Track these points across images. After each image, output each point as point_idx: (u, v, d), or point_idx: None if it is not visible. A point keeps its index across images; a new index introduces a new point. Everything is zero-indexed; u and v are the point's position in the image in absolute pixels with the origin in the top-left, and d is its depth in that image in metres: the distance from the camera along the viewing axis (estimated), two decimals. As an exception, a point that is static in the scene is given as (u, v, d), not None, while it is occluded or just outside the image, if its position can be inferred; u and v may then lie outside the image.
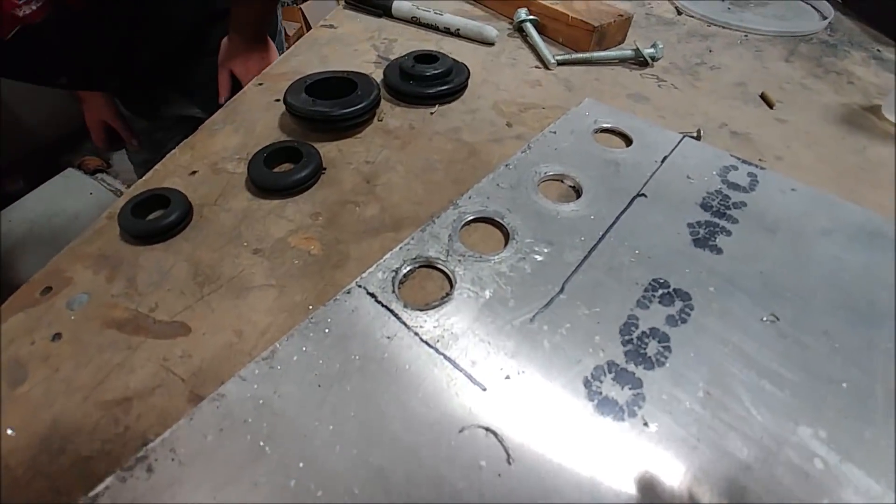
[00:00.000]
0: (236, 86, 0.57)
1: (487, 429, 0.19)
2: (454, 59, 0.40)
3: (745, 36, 0.52)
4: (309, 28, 1.74)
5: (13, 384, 0.21)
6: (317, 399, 0.20)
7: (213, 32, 0.60)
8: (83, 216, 1.91)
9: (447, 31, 0.49)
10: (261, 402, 0.19)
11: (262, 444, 0.18)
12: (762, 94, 0.41)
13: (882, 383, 0.21)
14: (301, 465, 0.18)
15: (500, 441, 0.18)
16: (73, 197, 1.92)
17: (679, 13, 0.56)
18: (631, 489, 0.17)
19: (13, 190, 2.03)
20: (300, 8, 1.68)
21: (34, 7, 0.44)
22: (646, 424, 0.19)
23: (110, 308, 0.24)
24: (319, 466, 0.18)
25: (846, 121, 0.39)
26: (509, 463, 0.18)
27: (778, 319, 0.23)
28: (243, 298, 0.24)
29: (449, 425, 0.19)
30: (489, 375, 0.20)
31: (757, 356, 0.21)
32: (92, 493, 0.17)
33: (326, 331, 0.22)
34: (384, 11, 0.52)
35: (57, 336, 0.23)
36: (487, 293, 0.24)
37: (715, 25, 0.54)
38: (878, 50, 0.51)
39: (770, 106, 0.40)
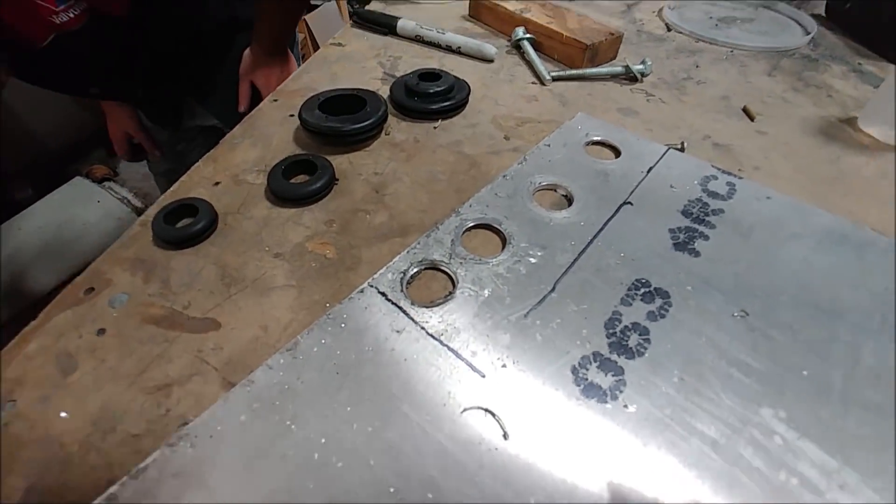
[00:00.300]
0: (256, 96, 0.60)
1: (486, 410, 0.21)
2: (455, 77, 0.43)
3: (731, 51, 0.55)
4: (313, 39, 1.78)
5: (65, 373, 0.24)
6: (335, 384, 0.22)
7: (235, 44, 0.62)
8: (91, 224, 1.95)
9: (449, 49, 0.52)
10: (286, 387, 0.22)
11: (288, 422, 0.21)
12: (744, 107, 0.44)
13: (840, 371, 0.23)
14: (323, 440, 0.20)
15: (498, 420, 0.21)
16: (82, 205, 1.96)
17: (669, 29, 0.59)
18: (613, 463, 0.20)
19: (22, 197, 2.07)
20: (304, 19, 1.72)
21: (72, 14, 0.45)
22: (626, 406, 0.22)
23: (148, 306, 0.27)
24: (339, 442, 0.20)
25: (823, 132, 0.42)
26: (505, 438, 0.20)
27: (748, 315, 0.25)
28: (267, 297, 0.27)
29: (452, 406, 0.21)
30: (488, 364, 0.23)
31: (727, 347, 0.24)
32: (142, 465, 0.20)
33: (343, 325, 0.25)
34: (389, 30, 0.55)
35: (101, 331, 0.26)
36: (486, 292, 0.26)
37: (703, 41, 0.57)
38: (859, 63, 0.54)
39: (751, 119, 0.43)
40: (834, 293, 0.27)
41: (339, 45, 0.54)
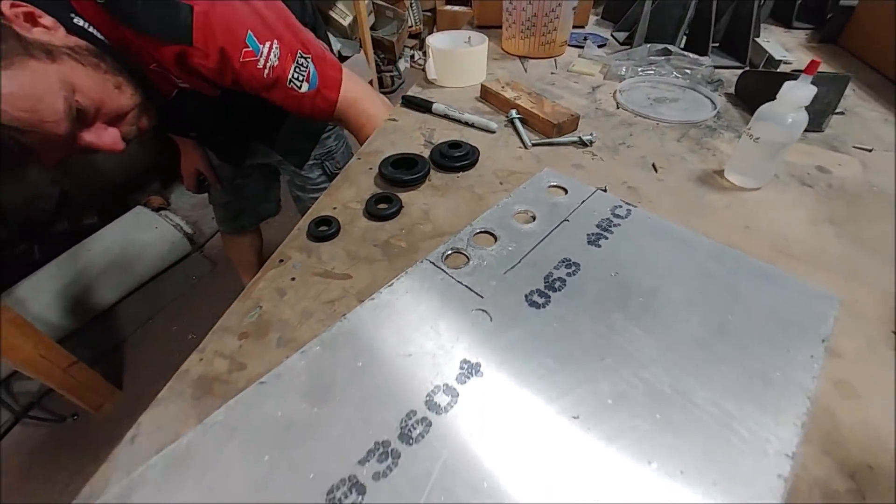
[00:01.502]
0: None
1: (483, 309, 0.46)
2: (471, 145, 0.70)
3: (657, 124, 0.80)
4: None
5: (281, 295, 0.49)
6: (413, 301, 0.47)
7: None
8: (149, 246, 2.27)
9: (466, 124, 0.79)
10: (389, 301, 0.47)
11: (394, 316, 0.46)
12: (653, 164, 0.69)
13: (658, 301, 0.47)
14: (413, 320, 0.45)
15: (488, 313, 0.45)
16: (142, 230, 2.30)
17: (618, 107, 0.86)
18: (538, 326, 0.44)
19: (89, 223, 2.43)
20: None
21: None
22: (547, 310, 0.46)
23: (312, 268, 0.52)
24: (418, 322, 0.45)
25: (700, 179, 0.66)
26: (491, 320, 0.45)
27: (618, 274, 0.50)
28: (372, 265, 0.52)
29: (467, 308, 0.46)
30: (485, 292, 0.48)
31: (604, 288, 0.48)
32: (327, 329, 0.45)
33: (413, 277, 0.50)
34: (427, 109, 0.83)
35: (293, 279, 0.51)
36: (485, 263, 0.51)
37: (639, 116, 0.83)
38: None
39: (655, 171, 0.68)
40: (669, 268, 0.51)
41: (394, 120, 0.82)
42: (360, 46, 3.23)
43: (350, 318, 0.46)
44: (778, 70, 0.97)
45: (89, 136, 0.63)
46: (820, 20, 1.23)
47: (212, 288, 2.18)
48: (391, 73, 3.52)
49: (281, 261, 0.54)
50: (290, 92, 0.74)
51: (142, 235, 2.20)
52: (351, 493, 0.33)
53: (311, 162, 1.11)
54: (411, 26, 3.89)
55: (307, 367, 0.41)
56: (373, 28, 3.44)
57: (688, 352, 0.42)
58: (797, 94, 0.56)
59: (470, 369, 0.41)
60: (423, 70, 0.95)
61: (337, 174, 1.13)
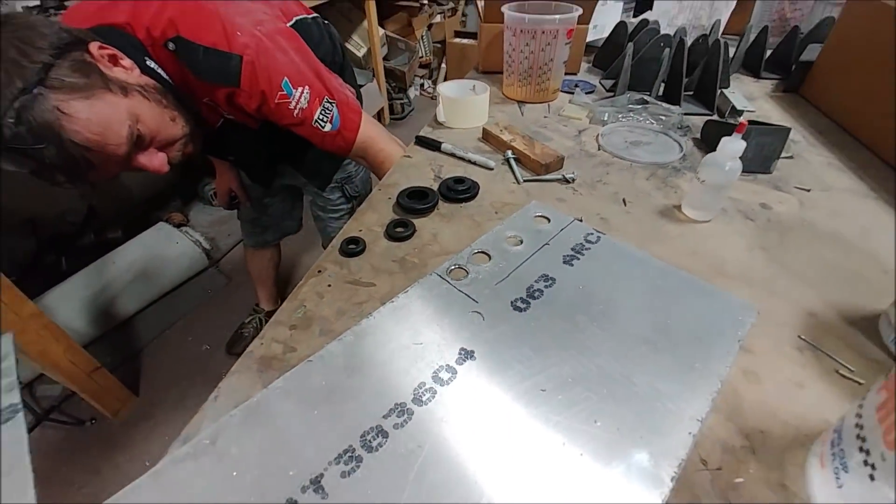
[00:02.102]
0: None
1: (477, 311, 0.59)
2: (472, 180, 0.84)
3: (631, 164, 0.95)
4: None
5: (320, 298, 0.63)
6: (422, 305, 0.61)
7: None
8: (170, 261, 2.43)
9: (469, 161, 0.94)
10: (405, 304, 0.61)
11: (409, 314, 0.59)
12: (623, 198, 0.83)
13: (613, 305, 0.60)
14: (422, 318, 0.59)
15: (481, 314, 0.59)
16: (163, 245, 2.46)
17: (599, 149, 1.01)
18: (520, 326, 0.57)
19: (113, 237, 2.60)
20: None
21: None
22: (527, 313, 0.59)
23: (344, 277, 0.66)
24: (426, 320, 0.58)
25: (660, 212, 0.80)
26: (483, 319, 0.58)
27: (585, 287, 0.63)
28: (392, 276, 0.66)
29: (464, 310, 0.59)
30: (479, 298, 0.61)
31: (572, 297, 0.62)
32: (357, 323, 0.58)
33: (423, 286, 0.63)
34: (437, 148, 0.98)
35: (329, 285, 0.65)
36: (480, 276, 0.65)
37: (616, 157, 0.97)
38: (706, 172, 0.93)
39: (625, 204, 0.82)
40: (625, 283, 0.64)
41: (409, 157, 0.97)
42: (374, 75, 3.45)
43: (375, 316, 0.59)
44: (736, 121, 1.11)
45: (143, 159, 0.78)
46: (786, 71, 1.39)
47: (226, 301, 2.31)
48: (402, 101, 3.74)
49: (319, 271, 0.68)
50: (315, 130, 0.90)
51: (164, 250, 2.36)
52: (377, 437, 0.46)
53: (332, 185, 1.26)
54: (422, 57, 4.13)
55: (343, 351, 0.55)
56: (385, 58, 3.67)
57: (633, 346, 0.55)
58: (731, 147, 0.70)
59: (466, 355, 0.54)
60: (433, 98, 1.10)
61: (355, 197, 1.29)
